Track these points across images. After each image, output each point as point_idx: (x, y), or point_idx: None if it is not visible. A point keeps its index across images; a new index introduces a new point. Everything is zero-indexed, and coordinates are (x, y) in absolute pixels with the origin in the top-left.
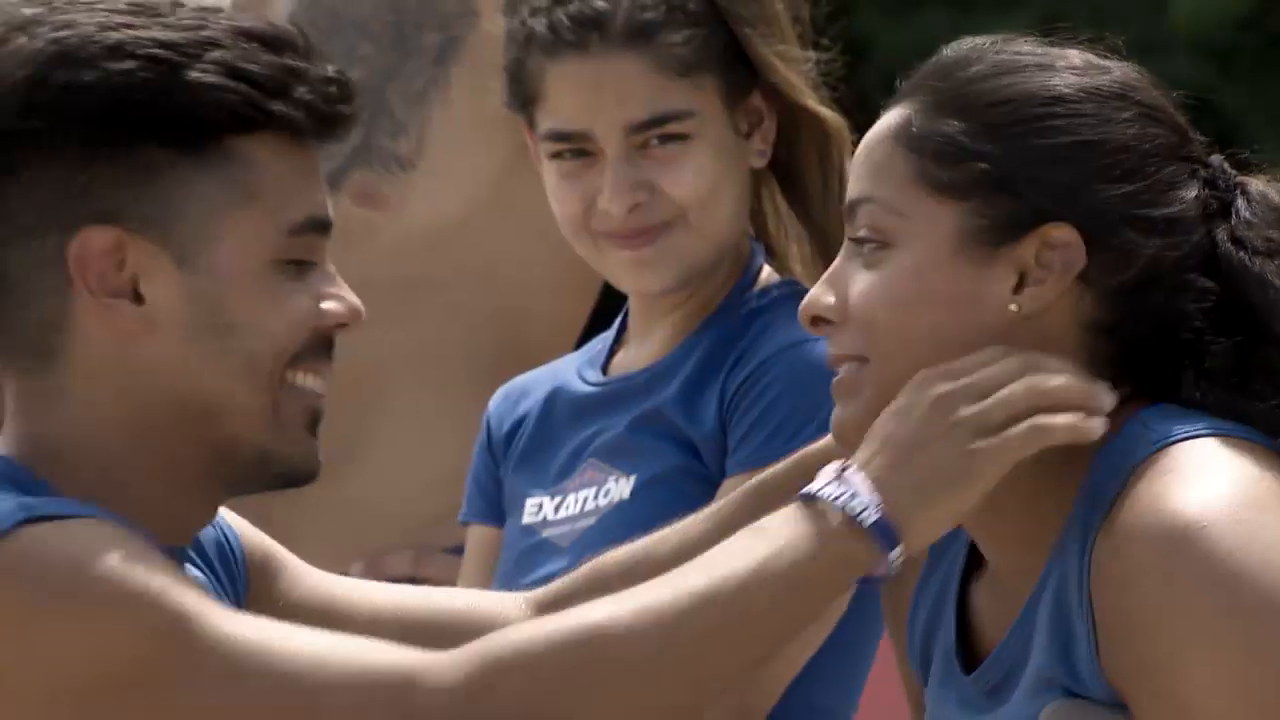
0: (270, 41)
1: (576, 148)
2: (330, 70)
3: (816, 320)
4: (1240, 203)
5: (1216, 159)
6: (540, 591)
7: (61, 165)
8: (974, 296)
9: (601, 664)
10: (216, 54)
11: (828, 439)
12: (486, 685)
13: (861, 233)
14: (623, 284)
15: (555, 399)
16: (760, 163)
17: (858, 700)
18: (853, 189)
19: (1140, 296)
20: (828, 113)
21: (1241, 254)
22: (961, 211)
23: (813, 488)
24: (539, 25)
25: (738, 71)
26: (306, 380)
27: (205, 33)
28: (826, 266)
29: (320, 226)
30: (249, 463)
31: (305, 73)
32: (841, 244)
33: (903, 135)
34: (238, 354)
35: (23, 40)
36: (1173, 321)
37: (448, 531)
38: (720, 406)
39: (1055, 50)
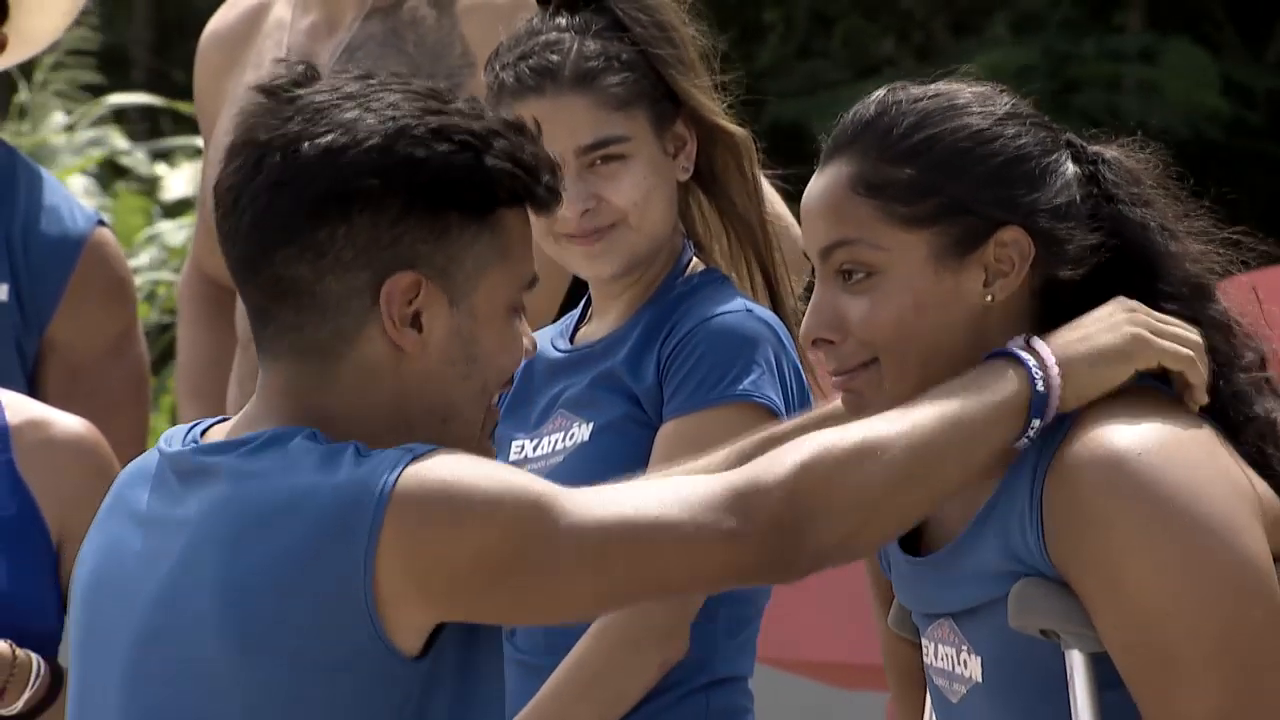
0: (524, 132)
1: None
2: (555, 155)
3: (818, 342)
4: (1103, 169)
5: (1073, 137)
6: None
7: (385, 218)
8: (955, 295)
9: (873, 465)
10: (501, 143)
11: (827, 407)
12: (797, 480)
13: (847, 266)
14: (581, 273)
15: (533, 362)
16: (684, 176)
17: (753, 660)
18: (822, 236)
19: (1068, 264)
20: (736, 128)
21: (1120, 207)
22: (930, 235)
23: (1010, 346)
24: (507, 76)
25: (663, 104)
26: (496, 399)
27: (486, 122)
28: (749, 255)
29: (535, 281)
30: None
31: (546, 159)
32: (762, 234)
33: (859, 185)
34: (476, 379)
35: (359, 112)
36: (1090, 278)
37: None
38: (658, 367)
39: (945, 88)
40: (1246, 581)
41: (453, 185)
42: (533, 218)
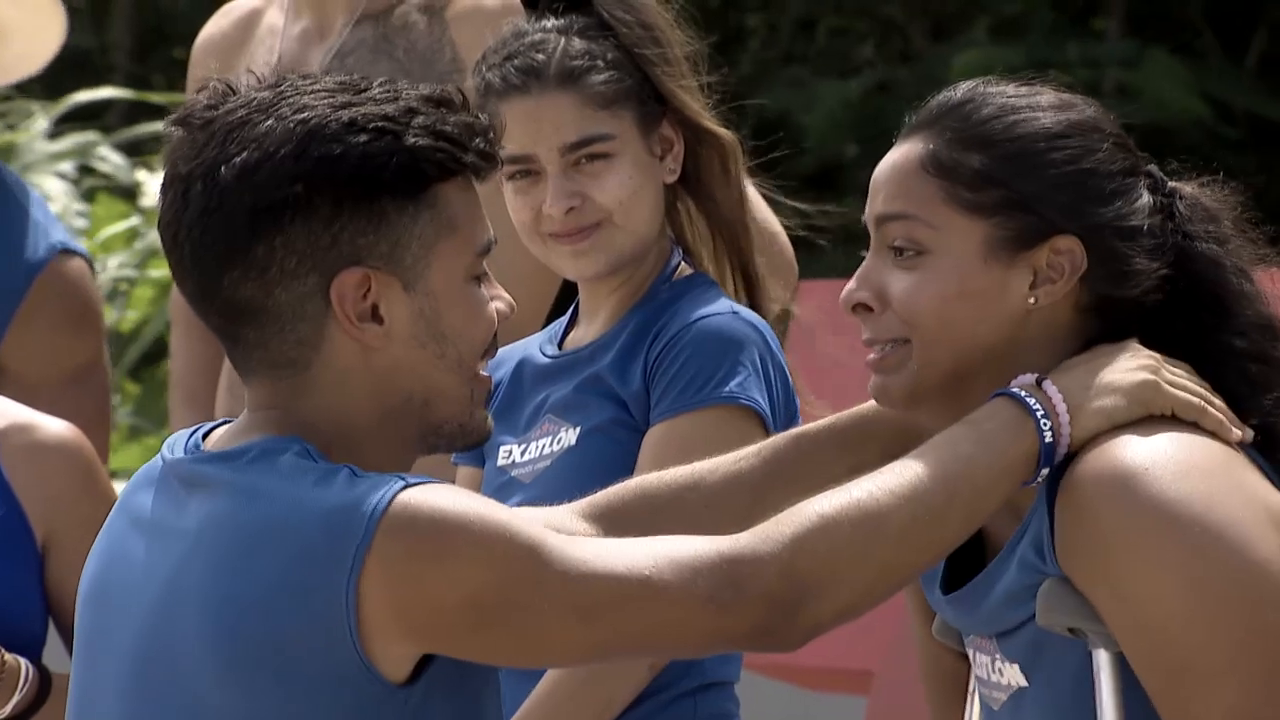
0: (447, 103)
1: (524, 168)
2: (484, 119)
3: (857, 308)
4: (1179, 204)
5: (1155, 169)
6: (585, 503)
7: (317, 220)
8: (1000, 292)
9: (873, 536)
10: (419, 120)
11: (859, 408)
12: (793, 556)
13: (899, 242)
14: (567, 273)
15: (522, 368)
16: (671, 179)
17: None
18: (881, 205)
19: (1122, 286)
20: (723, 130)
21: (1194, 243)
22: (986, 226)
23: (1016, 390)
24: (494, 77)
25: (649, 104)
26: (484, 367)
27: (403, 103)
28: (731, 256)
29: (491, 245)
30: (451, 434)
31: (475, 125)
32: (744, 236)
33: (930, 164)
34: (451, 356)
35: (270, 123)
36: (1146, 305)
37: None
38: (645, 371)
39: (1036, 88)
40: (1262, 588)
41: (377, 173)
42: (519, 215)
